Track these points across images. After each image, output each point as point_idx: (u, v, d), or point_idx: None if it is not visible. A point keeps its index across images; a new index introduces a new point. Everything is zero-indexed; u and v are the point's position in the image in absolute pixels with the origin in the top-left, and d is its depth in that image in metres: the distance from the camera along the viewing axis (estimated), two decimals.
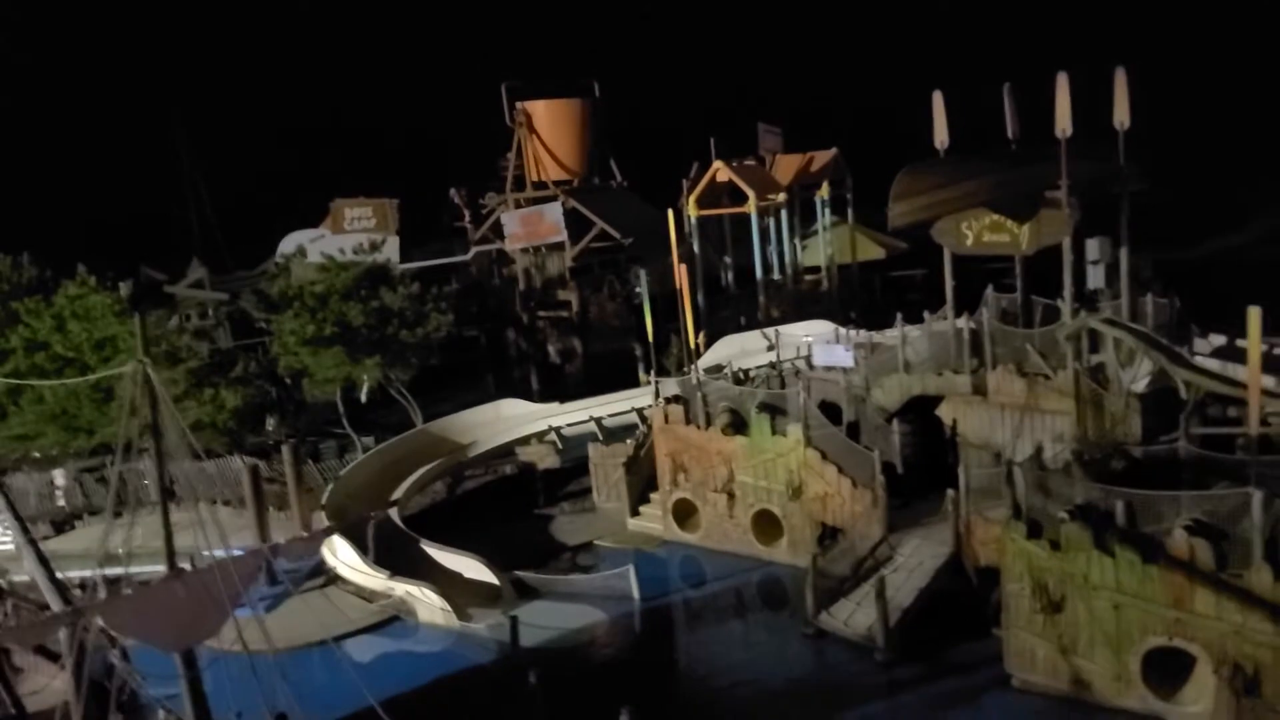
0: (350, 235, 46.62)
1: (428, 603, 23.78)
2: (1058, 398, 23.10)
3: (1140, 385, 22.10)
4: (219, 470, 30.53)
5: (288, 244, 45.75)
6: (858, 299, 48.02)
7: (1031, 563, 18.72)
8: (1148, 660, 17.76)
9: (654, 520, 28.77)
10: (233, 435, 30.02)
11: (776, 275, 47.27)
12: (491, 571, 24.77)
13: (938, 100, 25.49)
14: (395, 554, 25.80)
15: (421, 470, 30.26)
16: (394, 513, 27.98)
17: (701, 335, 38.76)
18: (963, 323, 25.53)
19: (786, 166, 49.23)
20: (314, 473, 30.67)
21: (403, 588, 24.14)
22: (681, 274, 30.29)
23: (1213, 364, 21.23)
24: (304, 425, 33.29)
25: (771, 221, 47.25)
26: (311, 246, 45.24)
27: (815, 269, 49.14)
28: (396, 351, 31.16)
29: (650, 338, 31.65)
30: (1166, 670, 17.84)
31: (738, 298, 45.76)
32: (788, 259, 47.11)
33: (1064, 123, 22.55)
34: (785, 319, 39.86)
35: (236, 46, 77.33)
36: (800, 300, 45.97)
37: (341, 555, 25.57)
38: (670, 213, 32.20)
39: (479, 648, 22.51)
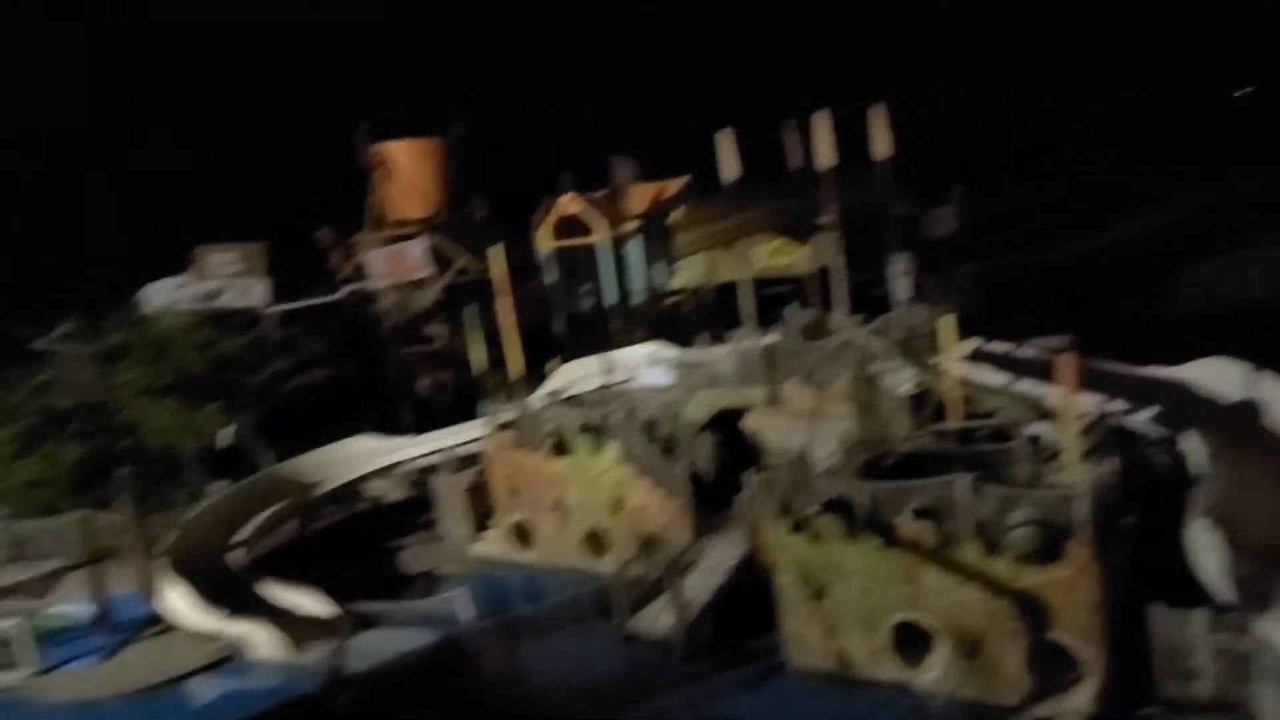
0: (218, 282, 47.57)
1: (262, 640, 24.70)
2: (839, 403, 25.23)
3: (906, 388, 24.33)
4: (63, 526, 30.87)
5: (149, 295, 46.27)
6: (716, 318, 50.13)
7: (796, 555, 20.65)
8: (898, 634, 19.78)
9: (495, 543, 30.14)
10: (76, 491, 30.43)
11: (637, 300, 49.21)
12: (328, 605, 25.79)
13: (725, 138, 27.59)
14: (235, 594, 26.68)
15: (266, 513, 31.08)
16: (236, 555, 28.80)
17: (552, 363, 40.49)
18: (757, 340, 27.55)
19: (641, 195, 51.19)
20: (159, 523, 31.17)
21: (237, 627, 25.01)
22: (504, 308, 31.74)
23: (964, 366, 23.58)
24: (154, 475, 33.73)
25: (630, 248, 49.24)
26: (176, 295, 45.92)
27: (680, 292, 51.10)
28: (238, 397, 32.00)
29: (476, 368, 32.95)
30: (918, 643, 19.87)
31: (596, 324, 47.48)
32: (643, 284, 49.03)
33: (826, 156, 24.79)
34: (645, 341, 41.63)
35: (106, 99, 76.76)
36: (659, 323, 47.83)
37: (178, 600, 26.30)
38: (491, 250, 33.52)
39: (308, 679, 23.56)
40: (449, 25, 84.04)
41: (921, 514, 19.02)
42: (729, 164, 27.32)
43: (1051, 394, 20.89)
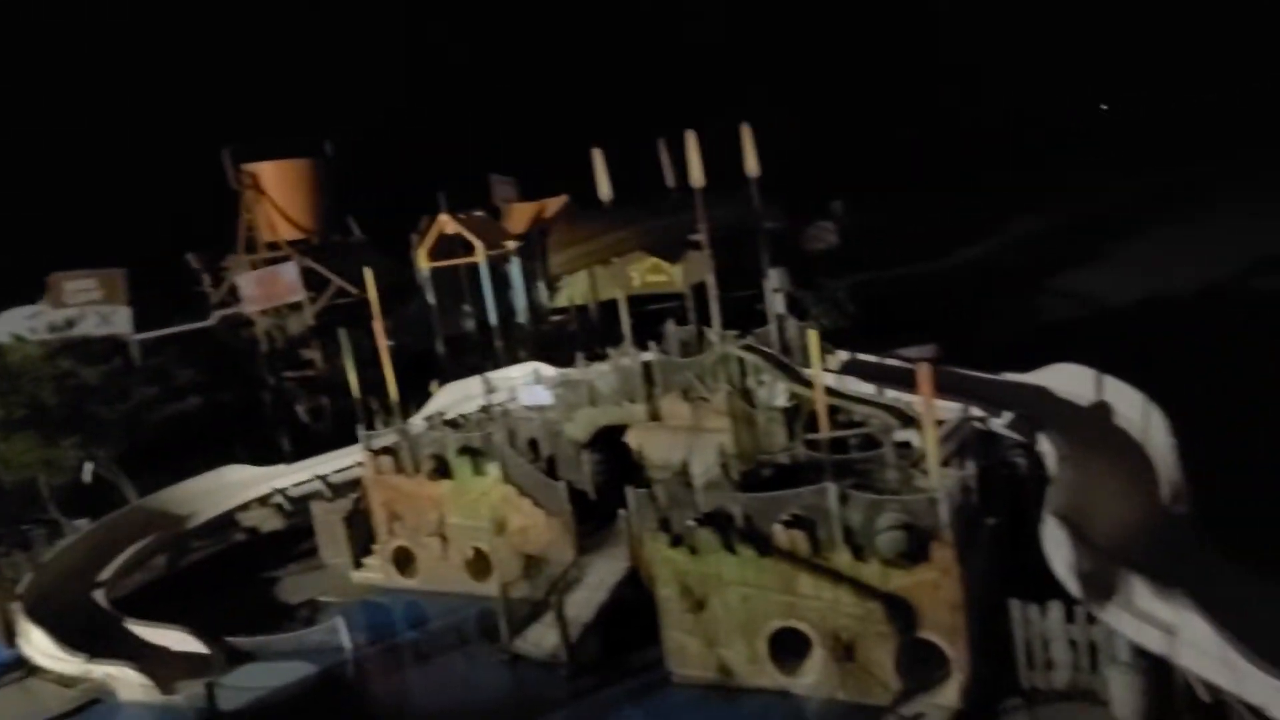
0: (74, 310, 45.38)
1: (130, 680, 23.68)
2: (716, 417, 25.77)
3: (780, 401, 25.04)
4: None
5: None
6: (601, 336, 50.38)
7: (676, 568, 21.00)
8: (776, 642, 20.29)
9: (376, 570, 29.62)
10: None
11: (521, 319, 49.06)
12: (198, 641, 24.90)
13: (598, 157, 27.94)
14: (101, 635, 25.52)
15: (132, 549, 29.80)
16: (100, 594, 27.54)
17: (434, 384, 40.02)
18: (636, 357, 27.89)
19: (520, 215, 51.17)
20: (18, 563, 29.60)
21: (102, 669, 23.93)
22: (379, 330, 31.32)
23: (831, 378, 24.46)
24: (11, 513, 32.03)
25: (511, 268, 49.10)
26: (29, 324, 43.59)
27: (564, 310, 51.14)
28: (96, 430, 30.66)
29: (355, 392, 32.35)
30: (796, 650, 20.41)
31: (480, 344, 47.14)
32: (524, 304, 48.94)
33: (696, 175, 25.37)
34: (528, 361, 41.50)
35: None
36: (543, 341, 47.79)
37: (39, 643, 25.02)
38: (366, 270, 32.96)
39: (180, 719, 22.71)
40: (321, 44, 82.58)
41: (794, 523, 19.62)
42: (604, 183, 27.64)
43: (915, 401, 21.84)
